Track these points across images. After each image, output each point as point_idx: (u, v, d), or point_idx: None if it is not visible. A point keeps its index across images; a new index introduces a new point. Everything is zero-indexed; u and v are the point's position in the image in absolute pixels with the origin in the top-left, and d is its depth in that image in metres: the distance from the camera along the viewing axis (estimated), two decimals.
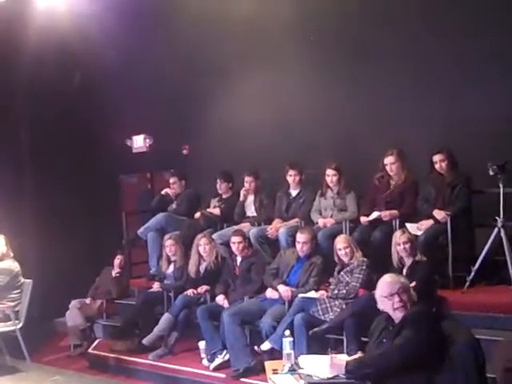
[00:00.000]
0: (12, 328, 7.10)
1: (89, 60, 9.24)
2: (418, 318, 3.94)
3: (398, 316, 3.98)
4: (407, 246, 5.48)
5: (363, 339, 5.16)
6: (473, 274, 5.69)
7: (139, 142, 10.00)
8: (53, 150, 9.53)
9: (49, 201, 9.41)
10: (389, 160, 6.41)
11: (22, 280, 7.34)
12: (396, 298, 4.00)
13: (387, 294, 4.03)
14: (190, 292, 6.91)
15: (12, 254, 7.37)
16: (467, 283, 5.72)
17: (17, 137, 9.78)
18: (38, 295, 7.64)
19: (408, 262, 5.51)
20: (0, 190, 8.69)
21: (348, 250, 5.90)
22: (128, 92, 9.50)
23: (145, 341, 6.86)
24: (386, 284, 4.12)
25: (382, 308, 4.10)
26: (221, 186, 7.88)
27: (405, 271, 5.45)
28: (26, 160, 9.90)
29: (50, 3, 7.83)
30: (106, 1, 8.40)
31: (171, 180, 8.33)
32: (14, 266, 7.30)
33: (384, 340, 4.09)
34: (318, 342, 5.61)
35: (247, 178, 7.58)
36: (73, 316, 7.92)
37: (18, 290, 7.26)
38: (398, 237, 5.55)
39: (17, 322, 7.11)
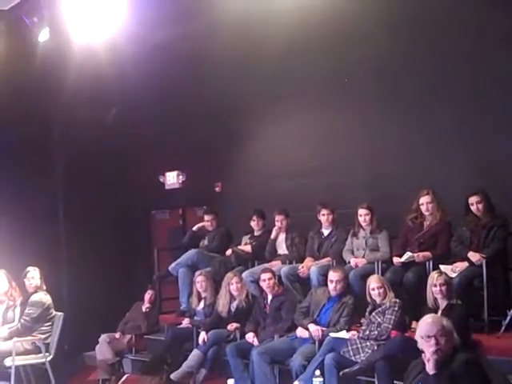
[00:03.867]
0: (42, 360, 7.11)
1: (124, 97, 9.44)
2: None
3: (433, 358, 3.91)
4: (443, 288, 5.37)
5: (395, 382, 5.08)
6: (509, 318, 5.58)
7: (172, 179, 10.09)
8: (87, 186, 9.70)
9: (82, 236, 9.59)
10: (425, 199, 6.34)
11: (54, 313, 7.39)
12: (433, 341, 3.93)
13: (424, 334, 3.97)
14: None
15: (45, 287, 7.45)
16: (503, 327, 5.61)
17: (52, 173, 10.00)
18: (68, 328, 7.68)
19: (442, 304, 5.41)
20: (36, 225, 8.91)
21: (381, 291, 5.84)
22: (162, 129, 9.68)
23: (172, 376, 6.79)
24: (425, 324, 4.05)
25: (421, 348, 4.02)
26: (258, 223, 7.86)
27: (439, 313, 5.36)
28: (60, 195, 10.11)
29: (89, 41, 7.99)
30: (141, 40, 8.58)
31: (208, 217, 8.28)
32: (46, 298, 7.36)
33: None
34: (349, 383, 5.52)
35: (278, 217, 7.58)
36: (102, 350, 7.96)
37: (49, 323, 7.30)
38: (435, 278, 5.43)
39: (47, 354, 7.13)
